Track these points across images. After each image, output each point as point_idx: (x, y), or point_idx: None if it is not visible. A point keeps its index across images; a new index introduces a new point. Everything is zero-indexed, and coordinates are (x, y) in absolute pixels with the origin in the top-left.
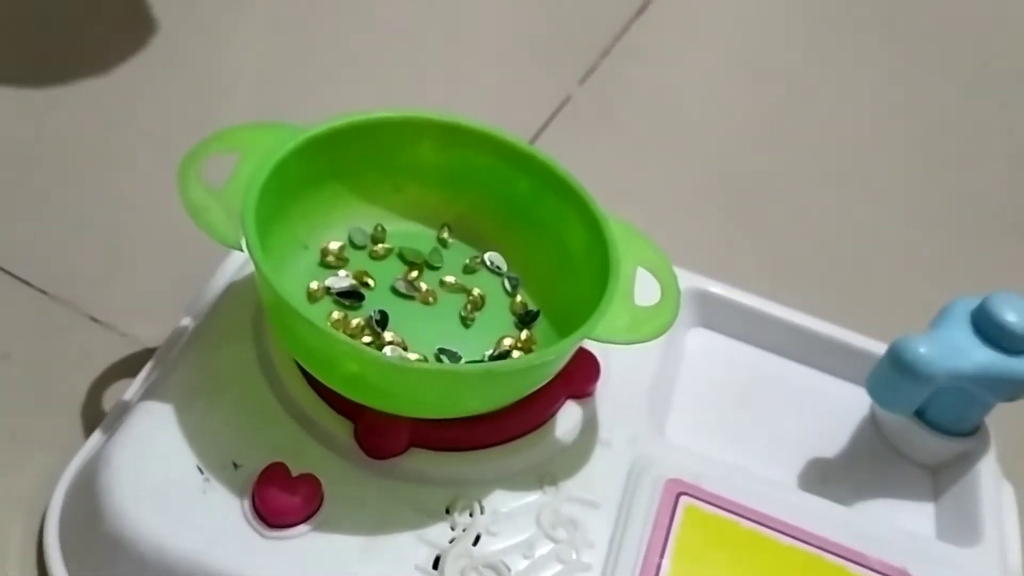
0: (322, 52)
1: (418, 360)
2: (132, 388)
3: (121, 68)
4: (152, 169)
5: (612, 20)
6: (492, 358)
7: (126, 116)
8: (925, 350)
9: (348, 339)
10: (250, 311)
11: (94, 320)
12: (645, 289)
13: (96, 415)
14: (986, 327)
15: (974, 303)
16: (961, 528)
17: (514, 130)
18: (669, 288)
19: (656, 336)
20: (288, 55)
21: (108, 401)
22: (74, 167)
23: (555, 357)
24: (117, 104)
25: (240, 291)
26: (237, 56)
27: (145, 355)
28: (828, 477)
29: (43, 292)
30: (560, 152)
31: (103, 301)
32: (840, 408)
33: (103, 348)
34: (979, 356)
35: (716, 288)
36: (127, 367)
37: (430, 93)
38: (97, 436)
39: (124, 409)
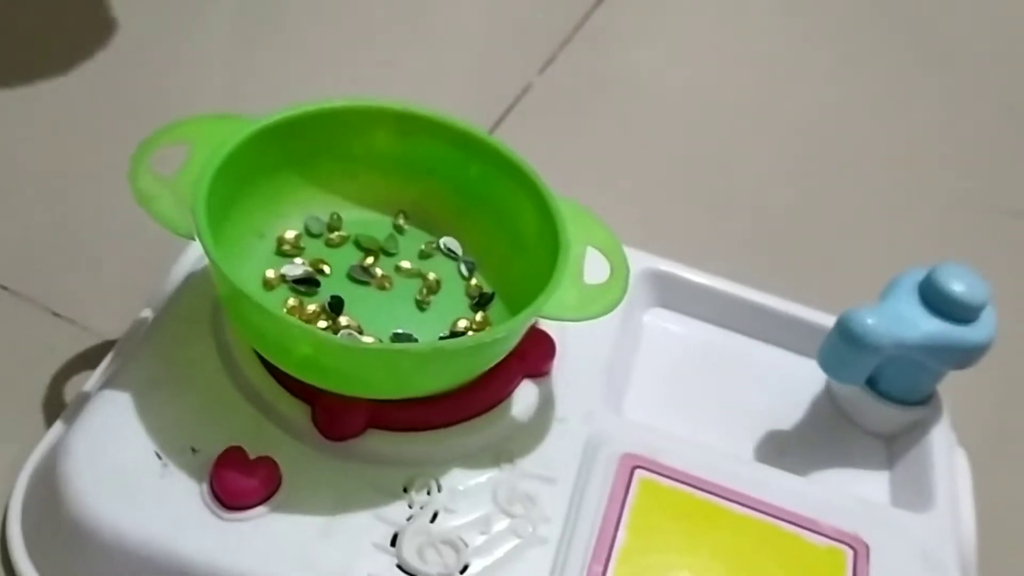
0: (282, 48)
1: (374, 343)
2: (92, 379)
3: (81, 65)
4: (111, 164)
5: (572, 8)
6: (446, 339)
7: (86, 111)
8: (872, 321)
9: (299, 321)
10: (209, 301)
11: (55, 314)
12: (597, 269)
13: (58, 407)
14: (933, 297)
15: (921, 274)
16: (915, 494)
17: (474, 119)
18: (618, 266)
19: (605, 312)
20: (250, 48)
21: (69, 393)
22: (33, 164)
23: (505, 335)
24: (77, 100)
25: (198, 281)
26: (198, 51)
27: (106, 347)
28: (785, 450)
29: (3, 288)
30: (521, 141)
31: (64, 295)
32: (796, 382)
33: (64, 341)
34: (926, 326)
35: (673, 268)
36: (89, 360)
37: (390, 83)
38: (58, 427)
39: (84, 400)
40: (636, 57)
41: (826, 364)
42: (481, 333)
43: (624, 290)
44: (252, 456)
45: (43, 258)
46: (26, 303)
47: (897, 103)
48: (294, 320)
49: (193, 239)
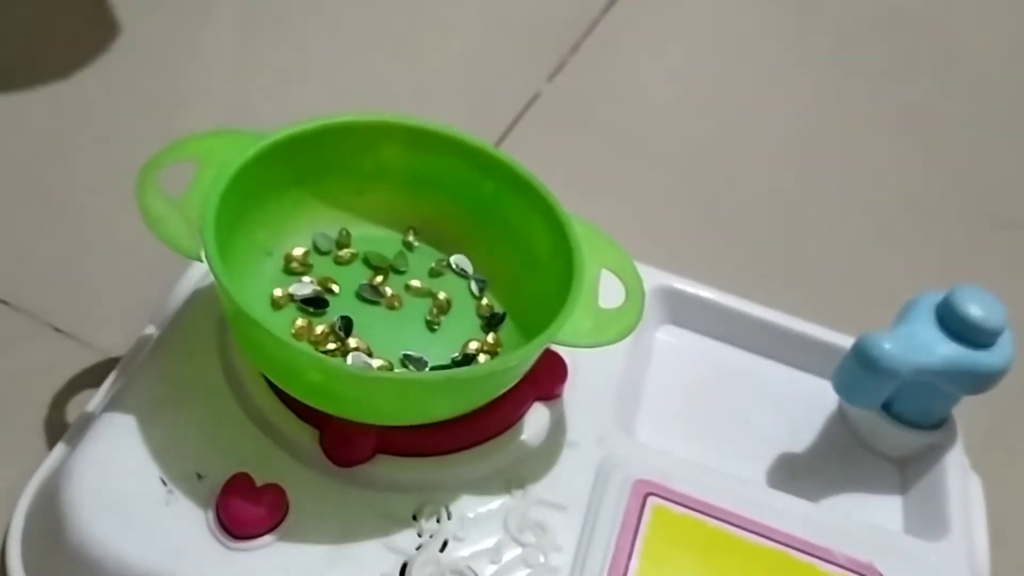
0: (287, 54)
1: (382, 366)
2: (95, 399)
3: (83, 71)
4: (115, 175)
5: (581, 15)
6: (457, 362)
7: (87, 121)
8: (890, 346)
9: (309, 349)
10: (215, 319)
11: (56, 330)
12: (610, 291)
13: (60, 427)
14: (950, 321)
15: (938, 297)
16: (928, 521)
17: (483, 128)
18: (633, 290)
19: (621, 338)
20: (252, 57)
21: (71, 412)
22: (35, 174)
23: (519, 362)
24: (79, 108)
25: (204, 299)
26: (202, 57)
27: (109, 365)
28: (796, 472)
29: (3, 302)
30: (529, 149)
31: (65, 310)
32: (808, 403)
33: (66, 358)
34: (943, 350)
35: (684, 285)
36: (90, 377)
37: (398, 93)
38: (60, 449)
39: (87, 421)
40: (647, 64)
41: (842, 388)
42: (494, 361)
43: (640, 315)
44: (259, 483)
45: (44, 271)
46: (26, 318)
47: (912, 117)
48: (305, 348)
49: (201, 260)
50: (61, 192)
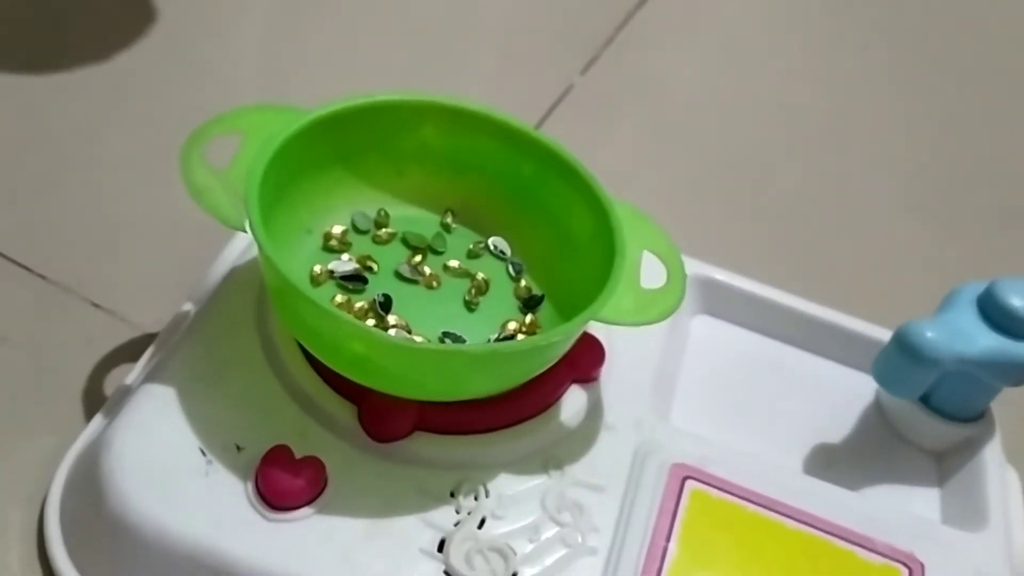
0: (324, 38)
1: (422, 342)
2: (133, 373)
3: (121, 54)
4: (153, 153)
5: (614, 8)
6: (497, 342)
7: (126, 102)
8: (932, 334)
9: (353, 319)
10: (253, 296)
11: (95, 305)
12: (650, 274)
13: (97, 400)
14: (992, 312)
15: (980, 288)
16: (966, 513)
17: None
18: (675, 271)
19: (662, 318)
20: (290, 41)
21: (109, 386)
22: (74, 152)
23: (561, 338)
24: (117, 90)
25: (242, 276)
26: (238, 41)
27: (146, 340)
28: (833, 462)
29: (43, 277)
30: (562, 141)
31: (103, 286)
32: (845, 395)
33: (104, 333)
34: (985, 340)
35: (720, 275)
36: (128, 352)
37: (432, 81)
38: (98, 420)
39: (125, 393)
40: (680, 57)
41: (882, 377)
42: (537, 336)
43: (682, 296)
44: (298, 455)
45: (82, 247)
46: (65, 293)
47: (954, 107)
48: (350, 317)
49: (244, 230)
50: (99, 171)
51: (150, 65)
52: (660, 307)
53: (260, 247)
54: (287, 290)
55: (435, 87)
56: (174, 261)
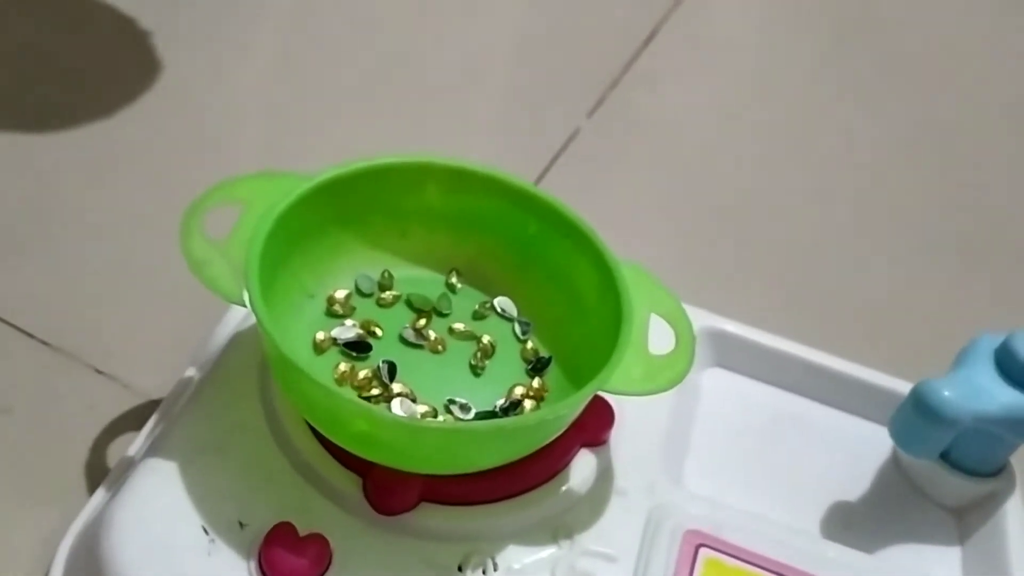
0: (327, 90)
1: (427, 412)
2: (136, 443)
3: (124, 110)
4: (155, 215)
5: (619, 50)
6: (503, 408)
7: (129, 160)
8: (949, 393)
9: (355, 398)
10: (256, 362)
11: (97, 371)
12: (658, 335)
13: (100, 470)
14: (1010, 366)
15: (997, 341)
16: (988, 572)
17: (523, 165)
18: (684, 335)
19: (672, 386)
20: (293, 95)
21: (112, 455)
22: (76, 213)
23: (568, 411)
24: (119, 148)
25: (245, 342)
26: (241, 98)
27: (149, 407)
28: (851, 522)
29: (45, 343)
30: (570, 186)
31: (106, 352)
32: (861, 448)
33: (107, 400)
34: (1004, 397)
35: (731, 327)
36: (132, 419)
37: (437, 130)
38: (100, 494)
39: (128, 465)
40: (688, 96)
41: (899, 437)
42: (544, 410)
43: (691, 361)
44: (302, 532)
45: (85, 313)
46: (67, 359)
47: (968, 154)
48: (353, 397)
49: (243, 305)
50: (103, 232)
51: (155, 121)
52: (669, 374)
53: (260, 323)
54: (288, 367)
55: (441, 135)
56: (176, 325)
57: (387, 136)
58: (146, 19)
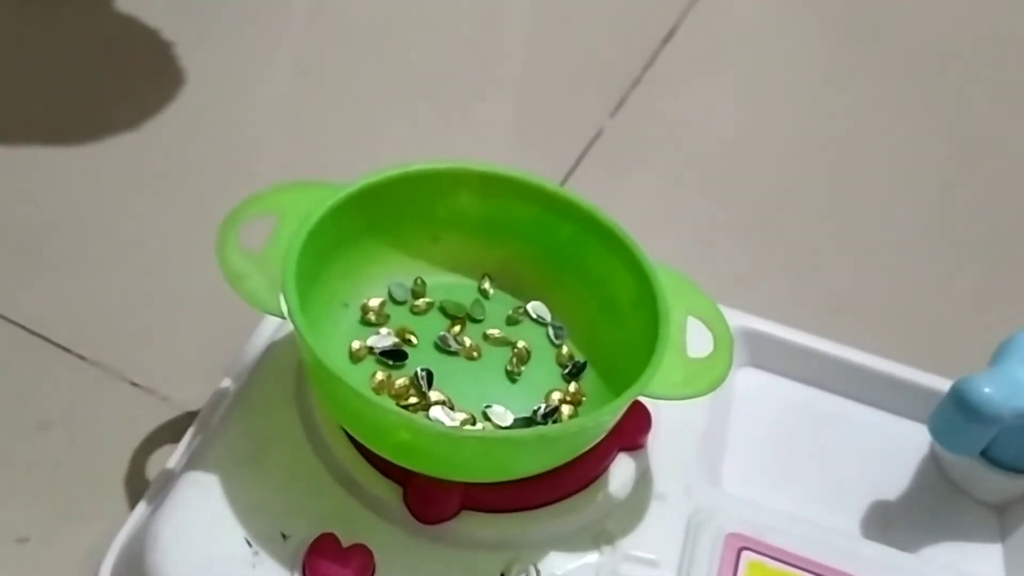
0: (350, 98)
1: (465, 420)
2: (175, 455)
3: (150, 122)
4: (187, 225)
5: (640, 49)
6: (542, 414)
7: (158, 172)
8: (990, 390)
9: (396, 408)
10: (292, 372)
11: (134, 384)
12: (694, 339)
13: (140, 483)
14: None
15: None
16: None
17: (547, 168)
18: (722, 337)
19: (712, 389)
20: (316, 104)
21: (152, 468)
22: (107, 226)
23: (609, 417)
24: (148, 160)
25: (281, 352)
26: (266, 107)
27: (187, 419)
28: (891, 521)
29: (81, 358)
30: (595, 187)
31: (142, 365)
32: (899, 446)
33: (144, 413)
34: None
35: (764, 326)
36: (170, 432)
37: (460, 134)
38: (142, 508)
39: (168, 478)
40: (710, 95)
41: (940, 435)
42: (584, 418)
43: (730, 364)
44: (344, 543)
45: (120, 326)
46: (103, 373)
47: (1004, 146)
48: (391, 406)
49: (283, 317)
50: (134, 244)
51: (181, 132)
52: (709, 377)
53: (300, 334)
54: (329, 379)
55: (464, 140)
56: (211, 336)
57: (410, 142)
58: (169, 30)
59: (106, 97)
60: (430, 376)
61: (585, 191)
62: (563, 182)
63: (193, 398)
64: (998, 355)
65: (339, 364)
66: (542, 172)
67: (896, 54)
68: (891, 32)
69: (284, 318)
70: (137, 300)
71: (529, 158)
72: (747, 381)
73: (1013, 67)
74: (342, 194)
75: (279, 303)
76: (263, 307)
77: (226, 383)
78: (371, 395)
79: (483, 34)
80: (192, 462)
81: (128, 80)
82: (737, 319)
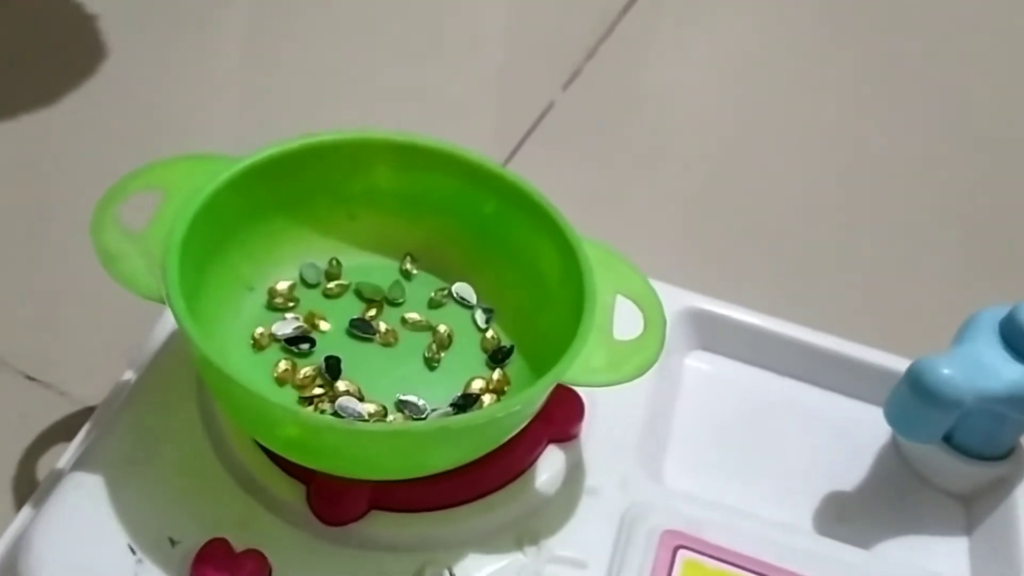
0: (284, 70)
1: (376, 412)
2: (67, 454)
3: (66, 97)
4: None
5: (595, 18)
6: (458, 405)
7: (70, 151)
8: (949, 371)
9: (283, 403)
10: (193, 364)
11: (29, 378)
12: (627, 319)
13: (29, 484)
14: (1016, 340)
15: (1001, 313)
16: (1000, 565)
17: (494, 141)
18: (653, 317)
19: (639, 374)
20: (249, 77)
21: (44, 468)
22: (7, 208)
23: (522, 406)
24: (60, 137)
25: (182, 342)
26: (192, 81)
27: (85, 415)
28: (846, 514)
29: None
30: (544, 163)
31: (38, 356)
32: (857, 432)
33: (39, 408)
34: (1010, 373)
35: (714, 306)
36: (65, 429)
37: (400, 107)
38: (26, 512)
39: (56, 480)
40: (669, 68)
41: (896, 422)
42: (494, 407)
43: (660, 346)
44: (238, 548)
45: (15, 315)
46: None
47: (965, 121)
48: (277, 399)
49: (163, 302)
50: (35, 228)
51: (98, 108)
52: (636, 361)
53: (178, 319)
54: (209, 368)
55: (406, 113)
56: (117, 326)
57: (350, 114)
58: (92, 2)
59: (17, 68)
60: (337, 364)
61: (533, 169)
62: (509, 159)
63: (93, 393)
64: (960, 335)
65: (238, 353)
66: (487, 148)
67: (877, 20)
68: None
69: (164, 303)
70: (36, 287)
71: (473, 133)
72: (696, 365)
73: (1000, 43)
74: (238, 167)
75: (160, 288)
76: (142, 292)
77: (128, 375)
78: (267, 384)
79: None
80: (79, 462)
81: (43, 51)
82: (686, 299)
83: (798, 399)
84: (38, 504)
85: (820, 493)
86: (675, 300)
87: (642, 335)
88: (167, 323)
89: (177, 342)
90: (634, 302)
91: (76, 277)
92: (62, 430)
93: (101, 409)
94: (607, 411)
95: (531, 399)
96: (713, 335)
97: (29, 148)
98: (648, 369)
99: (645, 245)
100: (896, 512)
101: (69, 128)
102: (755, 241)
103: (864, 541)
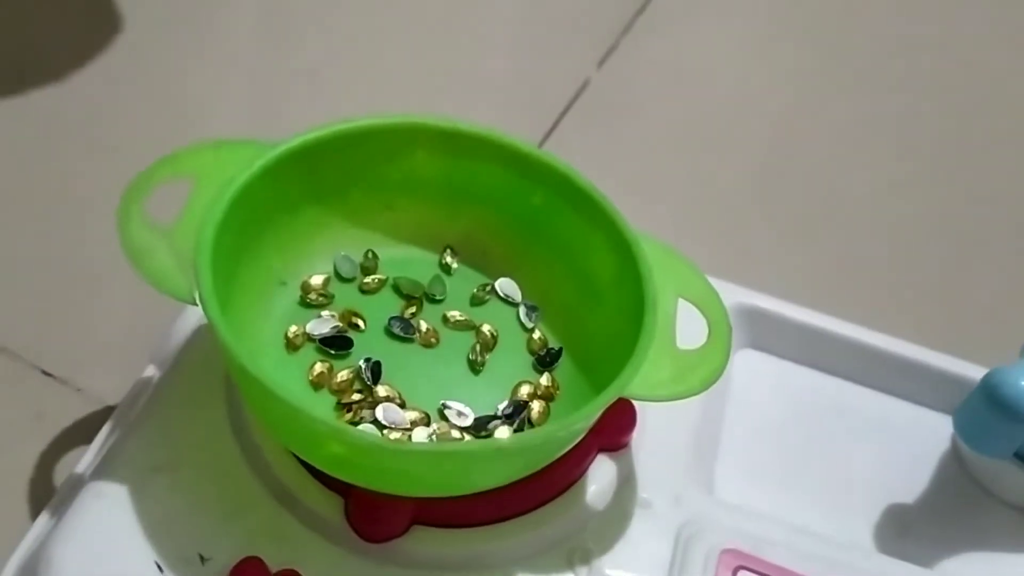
0: (310, 50)
1: (418, 419)
2: (86, 458)
3: (80, 74)
4: (114, 194)
5: None
6: (506, 412)
7: (85, 131)
8: None
9: (325, 419)
10: (221, 363)
11: (45, 374)
12: (684, 322)
13: (46, 489)
14: None
15: None
16: None
17: (528, 122)
18: (718, 324)
19: (706, 387)
20: (271, 54)
21: (61, 471)
22: (24, 193)
23: (581, 424)
24: (75, 117)
25: (209, 337)
26: (213, 57)
27: (104, 414)
28: (907, 528)
29: None
30: (580, 144)
31: (55, 351)
32: (916, 439)
33: (55, 407)
34: None
35: (766, 302)
36: (83, 429)
37: (435, 87)
38: (43, 521)
39: (75, 486)
40: (707, 42)
41: (967, 434)
42: (550, 427)
43: (727, 356)
44: (273, 568)
45: (31, 307)
46: (10, 360)
47: None
48: (320, 417)
49: (194, 303)
50: (52, 213)
51: (114, 85)
52: (702, 373)
53: (212, 323)
54: (245, 377)
55: (441, 92)
56: (137, 319)
57: (380, 97)
58: None
59: (30, 44)
60: (377, 368)
61: (568, 150)
62: (544, 140)
63: (112, 390)
64: None
65: (271, 354)
66: (520, 128)
67: None
68: None
69: (195, 304)
70: (54, 278)
71: (507, 113)
72: (746, 364)
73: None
74: (272, 154)
75: (190, 285)
76: (171, 290)
77: (149, 372)
78: (303, 388)
79: None
80: (100, 469)
81: (56, 26)
82: (735, 295)
83: (853, 403)
84: (56, 513)
85: (880, 506)
86: (723, 296)
87: (707, 344)
88: (191, 315)
89: (203, 338)
90: (696, 306)
91: (91, 263)
92: (80, 430)
93: (121, 409)
94: (657, 417)
95: (590, 414)
96: (763, 333)
97: (42, 127)
98: (715, 380)
99: (688, 235)
100: (960, 527)
101: (82, 106)
102: (809, 231)
103: (928, 559)
